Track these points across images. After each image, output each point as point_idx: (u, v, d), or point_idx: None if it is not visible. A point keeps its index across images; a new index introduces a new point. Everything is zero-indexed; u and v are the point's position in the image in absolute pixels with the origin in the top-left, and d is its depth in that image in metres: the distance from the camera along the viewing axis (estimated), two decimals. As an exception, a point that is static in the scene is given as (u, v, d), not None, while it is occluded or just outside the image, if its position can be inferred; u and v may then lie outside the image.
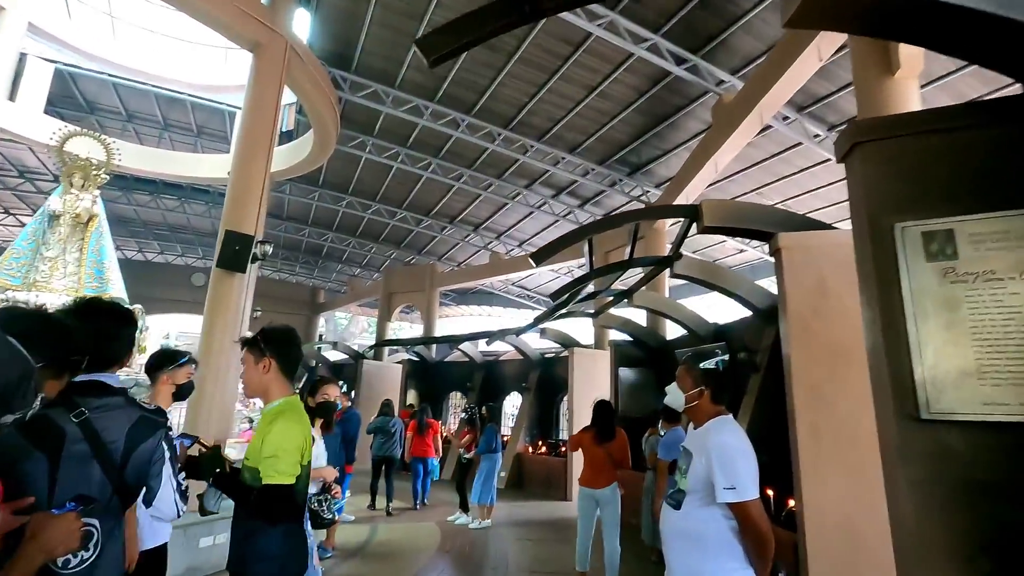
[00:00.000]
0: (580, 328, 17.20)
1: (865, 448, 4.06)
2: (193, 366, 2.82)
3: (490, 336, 12.11)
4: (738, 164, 10.47)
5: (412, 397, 15.47)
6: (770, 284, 8.31)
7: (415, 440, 8.93)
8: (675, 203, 9.13)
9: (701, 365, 2.61)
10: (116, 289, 8.10)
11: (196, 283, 21.27)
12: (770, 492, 4.79)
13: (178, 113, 12.57)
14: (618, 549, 4.83)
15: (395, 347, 19.02)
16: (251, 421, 10.97)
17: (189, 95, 11.88)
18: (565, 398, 11.97)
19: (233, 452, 8.51)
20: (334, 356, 19.81)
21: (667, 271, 11.34)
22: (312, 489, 3.00)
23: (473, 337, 13.05)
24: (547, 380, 12.64)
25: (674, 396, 2.63)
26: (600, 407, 5.12)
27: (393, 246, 18.69)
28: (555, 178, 12.46)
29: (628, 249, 6.74)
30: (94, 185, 8.10)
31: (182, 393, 2.70)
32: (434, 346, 17.84)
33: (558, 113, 10.18)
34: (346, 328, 38.65)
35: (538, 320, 8.94)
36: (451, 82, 9.66)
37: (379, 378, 15.58)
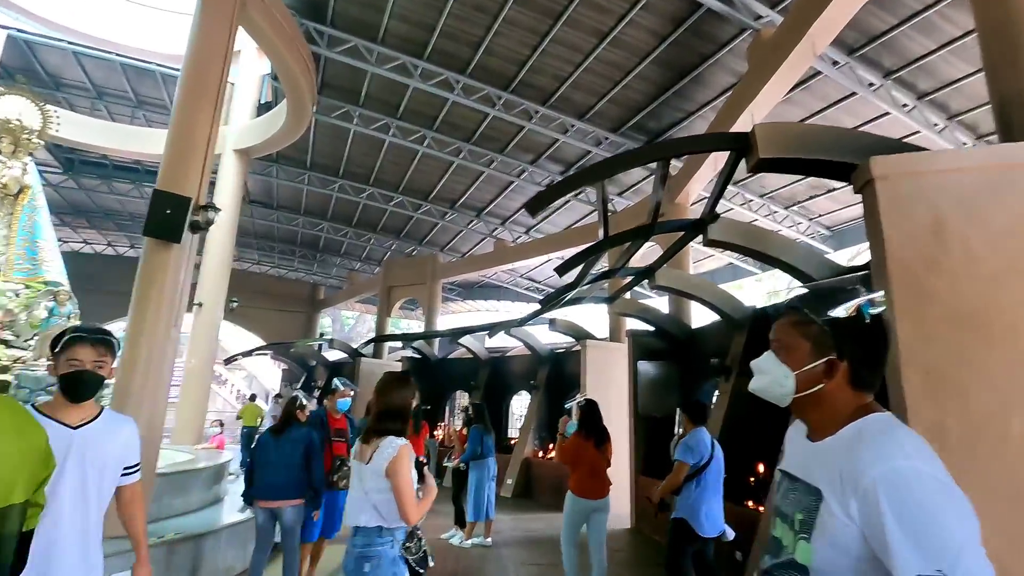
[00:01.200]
0: (594, 319, 15.92)
1: (1017, 457, 2.75)
2: None
3: (492, 328, 10.86)
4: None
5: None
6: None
7: (411, 440, 8.12)
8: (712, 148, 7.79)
9: (829, 315, 1.32)
10: (53, 272, 6.99)
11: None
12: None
13: (149, 88, 11.51)
14: (605, 560, 4.55)
15: (396, 345, 17.90)
16: (222, 424, 9.89)
17: (159, 65, 10.81)
18: (578, 396, 10.74)
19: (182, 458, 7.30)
20: (334, 355, 18.79)
21: (688, 258, 9.95)
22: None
23: (474, 330, 11.83)
24: (558, 377, 11.54)
25: (771, 376, 1.33)
26: (591, 407, 4.76)
27: (392, 236, 17.53)
28: (563, 151, 11.16)
29: (651, 213, 5.44)
30: (25, 152, 6.99)
31: None
32: (437, 342, 16.67)
33: (564, 69, 8.88)
34: (352, 328, 37.68)
35: (544, 303, 7.65)
36: (440, 34, 8.41)
37: (378, 377, 14.46)
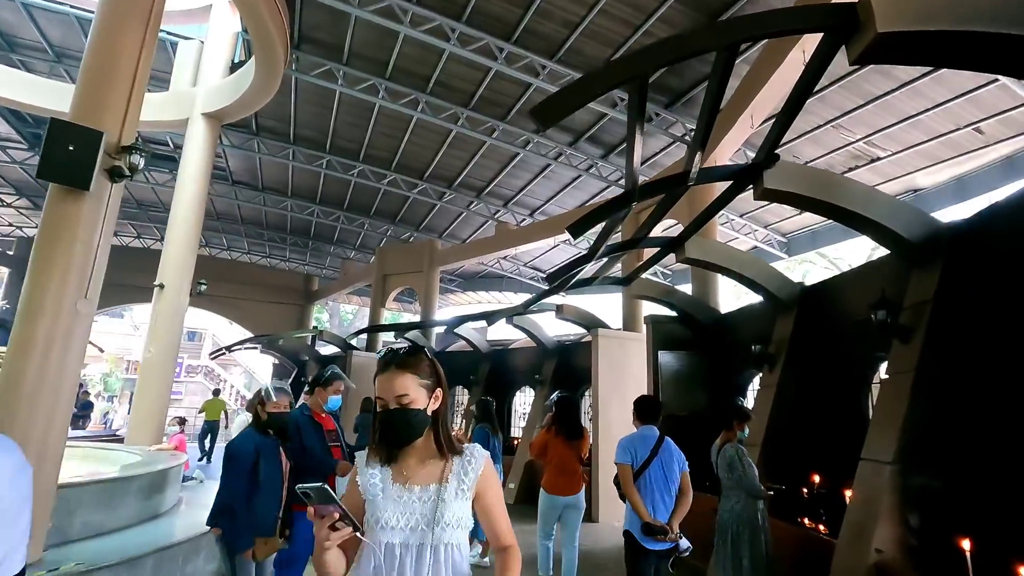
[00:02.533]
0: (605, 308, 14.74)
1: None
2: None
3: (492, 316, 9.71)
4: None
5: (406, 393, 13.16)
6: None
7: None
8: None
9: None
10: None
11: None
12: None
13: (113, 48, 10.36)
14: (576, 558, 4.57)
15: (391, 338, 16.77)
16: (182, 421, 8.72)
17: (120, 20, 9.65)
18: (588, 392, 9.63)
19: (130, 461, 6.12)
20: (328, 350, 17.73)
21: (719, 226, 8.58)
22: None
23: (473, 318, 10.68)
24: (565, 371, 10.46)
25: None
26: (565, 403, 4.85)
27: (387, 220, 16.35)
28: (573, 116, 9.94)
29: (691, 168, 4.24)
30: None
31: None
32: (434, 335, 15.53)
33: (576, 12, 7.66)
34: (351, 322, 36.52)
35: (552, 280, 6.47)
36: (432, -31, 7.24)
37: (371, 371, 13.28)
